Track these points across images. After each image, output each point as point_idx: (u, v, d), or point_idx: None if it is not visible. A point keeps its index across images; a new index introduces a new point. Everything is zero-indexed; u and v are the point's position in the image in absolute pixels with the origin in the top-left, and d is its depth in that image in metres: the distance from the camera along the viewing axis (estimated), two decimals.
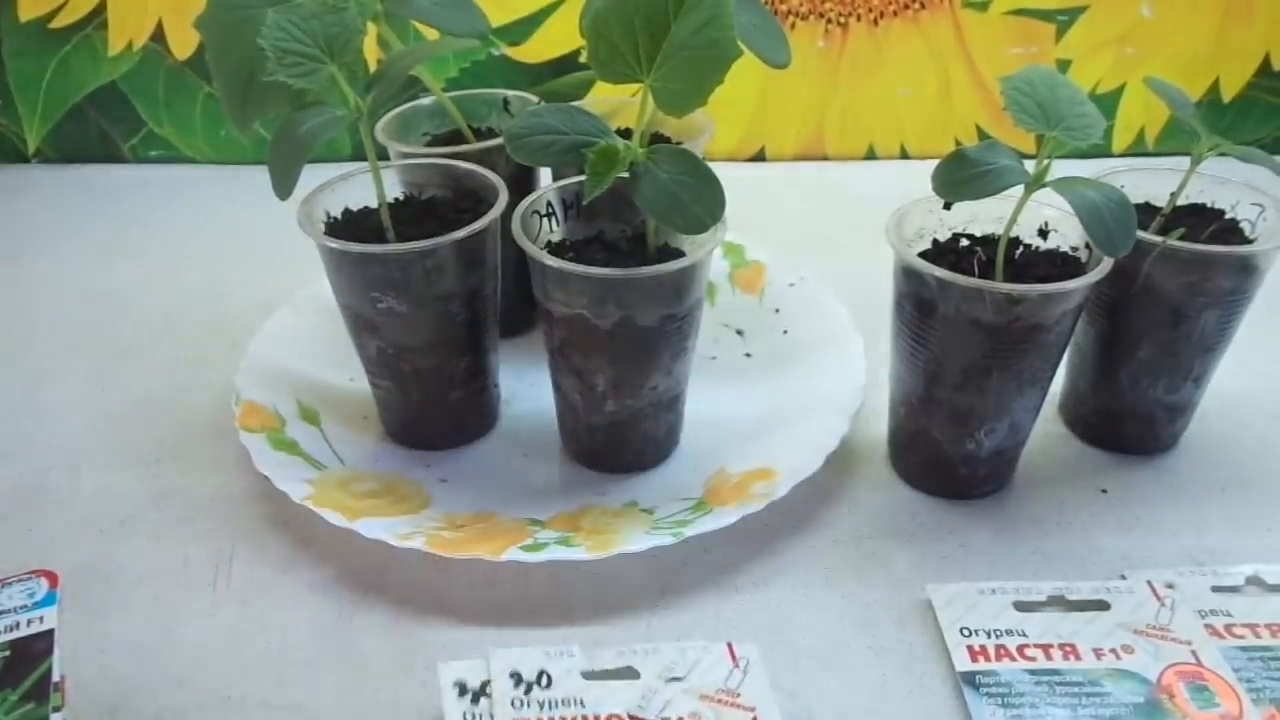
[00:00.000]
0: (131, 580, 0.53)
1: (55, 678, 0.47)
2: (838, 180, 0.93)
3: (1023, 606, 0.49)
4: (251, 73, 0.52)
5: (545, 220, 0.56)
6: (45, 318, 0.75)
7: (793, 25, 0.91)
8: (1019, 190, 0.50)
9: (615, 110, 0.64)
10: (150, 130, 0.96)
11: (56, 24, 0.92)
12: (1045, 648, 0.47)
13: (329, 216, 0.57)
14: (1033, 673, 0.46)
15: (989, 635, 0.48)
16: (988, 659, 0.47)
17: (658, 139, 0.64)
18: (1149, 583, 0.50)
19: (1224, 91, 0.93)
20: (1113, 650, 0.47)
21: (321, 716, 0.46)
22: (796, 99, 0.94)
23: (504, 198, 0.56)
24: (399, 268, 0.53)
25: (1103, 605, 0.49)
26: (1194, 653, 0.47)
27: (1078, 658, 0.47)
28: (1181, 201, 0.57)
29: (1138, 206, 0.54)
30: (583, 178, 0.50)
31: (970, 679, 0.46)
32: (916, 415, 0.55)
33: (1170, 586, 0.50)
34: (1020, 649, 0.47)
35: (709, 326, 0.67)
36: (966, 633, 0.48)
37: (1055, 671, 0.46)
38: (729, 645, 0.47)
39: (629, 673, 0.45)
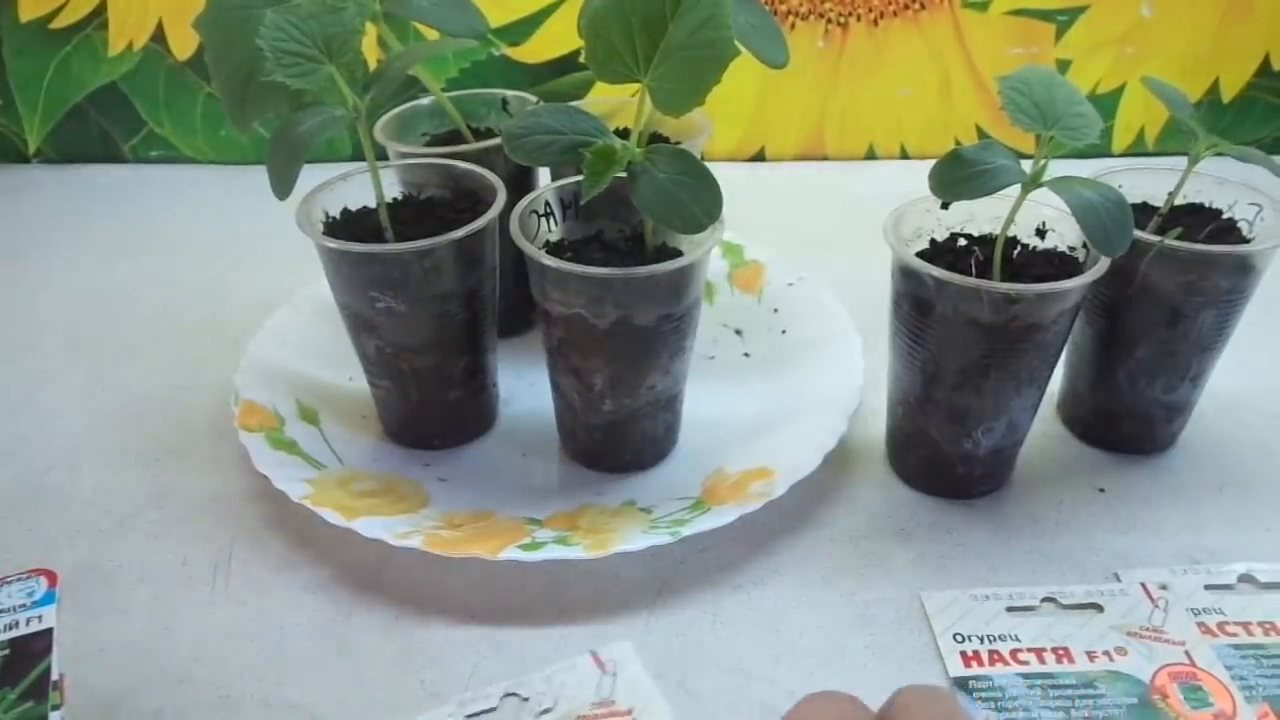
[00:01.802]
0: (130, 579, 0.53)
1: (54, 676, 0.47)
2: (838, 180, 0.94)
3: (1016, 610, 0.49)
4: (250, 73, 0.52)
5: (543, 220, 0.56)
6: (45, 318, 0.75)
7: (793, 25, 0.91)
8: (1017, 190, 0.50)
9: (614, 110, 0.64)
10: (150, 130, 0.96)
11: (57, 24, 0.92)
12: (1038, 651, 0.47)
13: (328, 216, 0.57)
14: (1026, 676, 0.46)
15: (982, 640, 0.48)
16: (981, 664, 0.47)
17: (656, 139, 0.64)
18: (1142, 584, 0.50)
19: (1223, 92, 0.93)
20: (1106, 652, 0.47)
21: (320, 715, 0.46)
22: (796, 99, 0.94)
23: (502, 198, 0.56)
24: (398, 267, 0.53)
25: (1096, 608, 0.49)
26: (1187, 653, 0.47)
27: (1071, 660, 0.47)
28: (1179, 201, 0.57)
29: (1135, 206, 0.55)
30: (581, 178, 0.50)
31: (964, 684, 0.46)
32: (914, 415, 0.55)
33: (1164, 588, 0.50)
34: (1013, 653, 0.47)
35: (707, 326, 0.67)
36: (959, 639, 0.48)
37: (1048, 675, 0.46)
38: (592, 654, 0.46)
39: (512, 703, 0.44)
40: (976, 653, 0.47)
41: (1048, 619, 0.49)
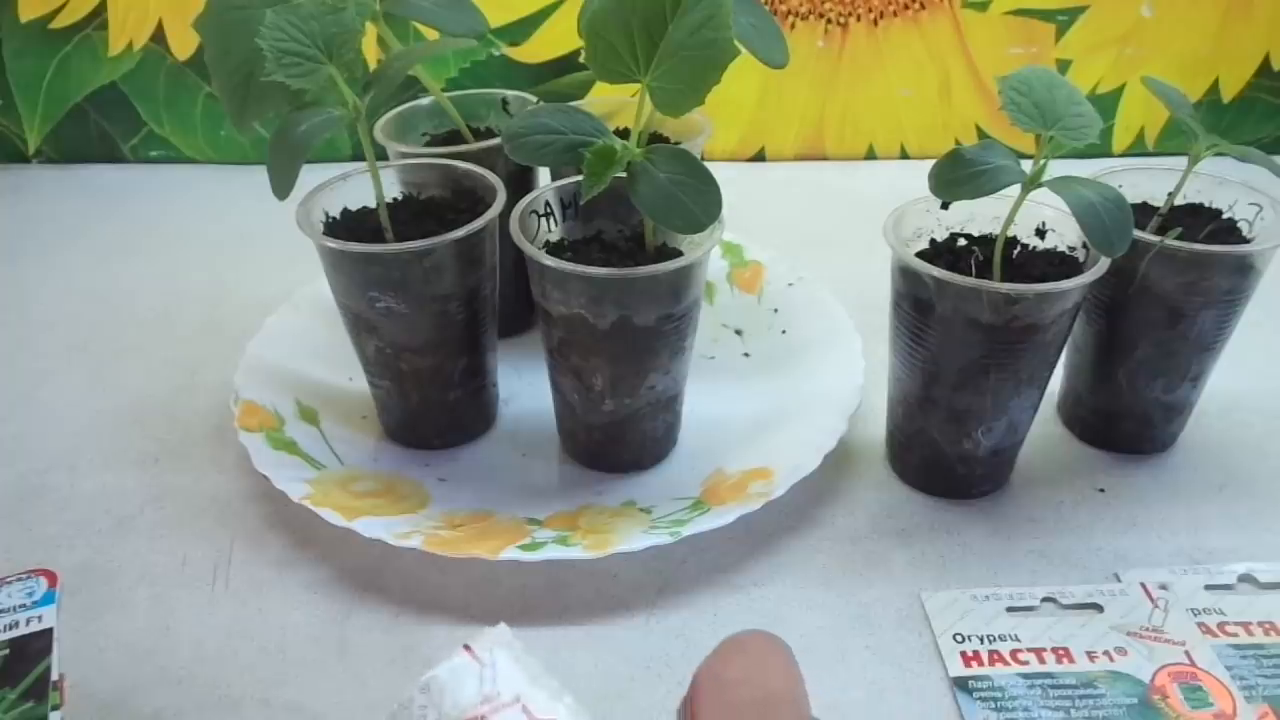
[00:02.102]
0: (130, 579, 0.53)
1: (54, 676, 0.47)
2: (838, 180, 0.94)
3: (1016, 610, 0.49)
4: (250, 73, 0.52)
5: (543, 220, 0.56)
6: (45, 318, 0.75)
7: (793, 25, 0.91)
8: (1017, 190, 0.50)
9: (614, 110, 0.64)
10: (150, 130, 0.96)
11: (57, 24, 0.92)
12: (1038, 651, 0.47)
13: (328, 216, 0.57)
14: (1026, 676, 0.46)
15: (982, 641, 0.48)
16: (981, 664, 0.47)
17: (656, 139, 0.64)
18: (1142, 584, 0.50)
19: (1224, 91, 0.93)
20: (1106, 652, 0.47)
21: (319, 715, 0.46)
22: (796, 99, 0.94)
23: (502, 198, 0.56)
24: (397, 267, 0.53)
25: (1096, 608, 0.49)
26: (1187, 653, 0.47)
27: (1071, 660, 0.47)
28: (1179, 201, 0.57)
29: (1135, 206, 0.55)
30: (581, 178, 0.50)
31: (964, 684, 0.46)
32: (914, 415, 0.55)
33: (1164, 587, 0.50)
34: (1014, 653, 0.47)
35: (707, 326, 0.67)
36: (959, 639, 0.48)
37: (1048, 675, 0.46)
38: (466, 646, 0.43)
39: None
40: (976, 653, 0.47)
41: (1048, 619, 0.49)
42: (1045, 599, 0.50)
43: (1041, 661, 0.47)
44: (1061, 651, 0.47)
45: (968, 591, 0.50)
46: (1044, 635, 0.48)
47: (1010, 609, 0.49)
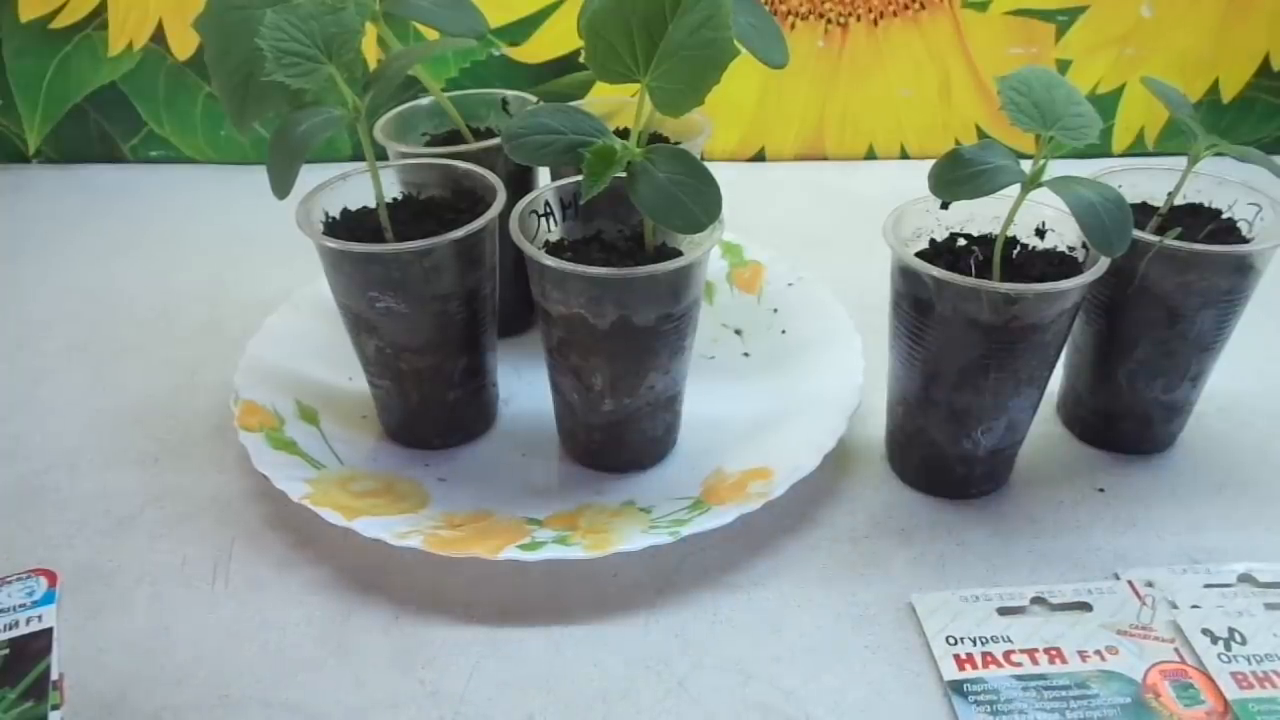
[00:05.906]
0: (130, 579, 0.53)
1: (54, 676, 0.47)
2: (838, 180, 0.94)
3: (1006, 611, 0.49)
4: (250, 73, 0.52)
5: (543, 220, 0.56)
6: (44, 317, 0.75)
7: (793, 25, 0.91)
8: (1016, 190, 0.50)
9: (614, 110, 0.64)
10: (150, 130, 0.96)
11: (57, 24, 0.92)
12: (1030, 652, 0.47)
13: (327, 216, 0.57)
14: (1020, 678, 0.46)
15: (974, 643, 0.48)
16: (974, 667, 0.47)
17: (656, 139, 0.64)
18: (1129, 582, 0.50)
19: (1223, 91, 0.93)
20: (1097, 652, 0.47)
21: (319, 715, 0.46)
22: (796, 99, 0.94)
23: (502, 197, 0.56)
24: (397, 267, 0.53)
25: (1085, 607, 0.49)
26: (1177, 650, 0.47)
27: (1063, 661, 0.47)
28: (1179, 201, 0.57)
29: (1135, 206, 0.55)
30: (581, 178, 0.50)
31: (958, 688, 0.46)
32: (914, 415, 0.55)
33: (1150, 585, 0.50)
34: (1006, 655, 0.47)
35: (707, 326, 0.67)
36: (952, 641, 0.48)
37: (1042, 676, 0.46)
38: None
39: None
40: (970, 655, 0.47)
41: (1038, 619, 0.49)
42: (1035, 599, 0.50)
43: (1034, 662, 0.47)
44: (1054, 652, 0.47)
45: (957, 593, 0.50)
46: (1035, 635, 0.48)
47: (1001, 610, 0.49)
